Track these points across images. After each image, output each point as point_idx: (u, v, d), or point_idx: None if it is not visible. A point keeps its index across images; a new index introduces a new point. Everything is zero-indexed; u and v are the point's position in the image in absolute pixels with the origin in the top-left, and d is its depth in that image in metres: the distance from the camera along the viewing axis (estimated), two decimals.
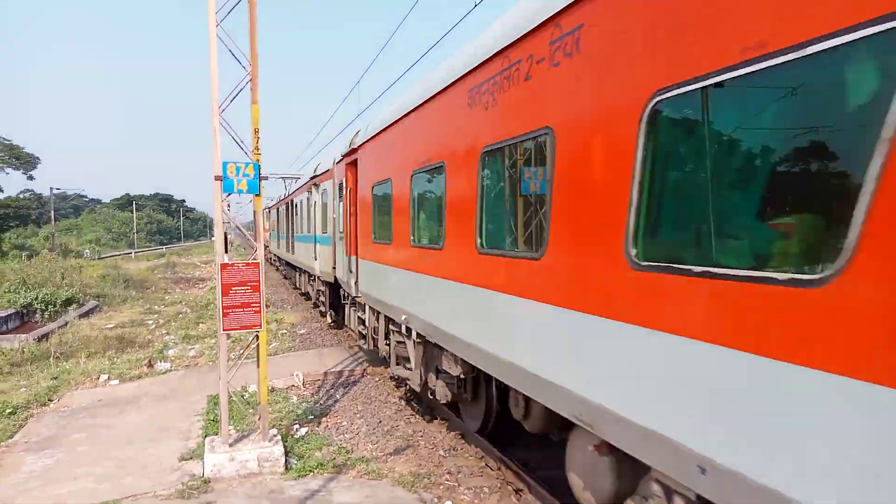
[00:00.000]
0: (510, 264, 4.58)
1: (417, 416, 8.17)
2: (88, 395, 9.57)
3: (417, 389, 7.65)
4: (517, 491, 5.84)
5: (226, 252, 6.54)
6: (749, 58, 2.44)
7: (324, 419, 8.10)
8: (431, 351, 7.08)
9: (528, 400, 5.02)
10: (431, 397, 7.47)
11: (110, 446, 7.10)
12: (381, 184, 8.34)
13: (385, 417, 8.14)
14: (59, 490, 5.94)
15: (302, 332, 14.73)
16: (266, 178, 6.84)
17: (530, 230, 4.50)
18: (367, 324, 9.89)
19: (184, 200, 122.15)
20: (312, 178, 15.02)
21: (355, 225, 10.26)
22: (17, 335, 16.23)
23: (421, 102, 6.61)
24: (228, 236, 7.16)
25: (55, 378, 10.63)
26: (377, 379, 10.06)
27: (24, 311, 20.57)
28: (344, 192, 11.18)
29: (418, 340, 7.15)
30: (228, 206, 6.95)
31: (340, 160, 11.52)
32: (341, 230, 11.57)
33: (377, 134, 8.59)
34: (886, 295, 1.94)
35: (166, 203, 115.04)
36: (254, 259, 6.52)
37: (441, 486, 6.02)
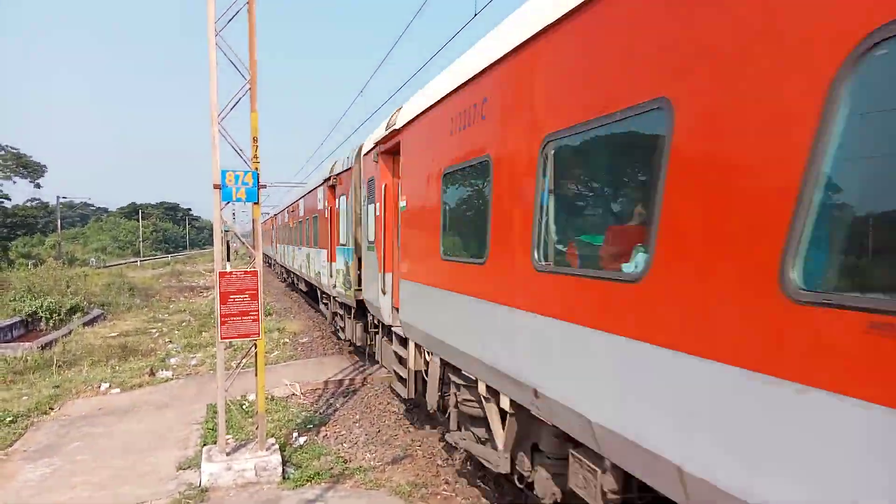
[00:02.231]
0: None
1: (416, 426, 8.12)
2: (89, 403, 9.57)
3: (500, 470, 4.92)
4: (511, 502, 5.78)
5: (229, 260, 6.54)
6: None
7: (323, 428, 8.06)
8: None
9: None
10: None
11: (108, 455, 7.09)
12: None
13: (384, 426, 8.11)
14: (55, 499, 5.93)
15: (304, 340, 14.72)
16: (265, 187, 6.86)
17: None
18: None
19: (190, 209, 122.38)
20: (327, 179, 12.16)
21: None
22: (21, 344, 16.31)
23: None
24: (232, 245, 7.15)
25: (57, 387, 10.64)
26: (377, 388, 10.02)
27: (29, 320, 20.67)
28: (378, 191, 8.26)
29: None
30: (234, 214, 6.99)
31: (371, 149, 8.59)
32: (371, 239, 8.64)
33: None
34: None
35: (172, 211, 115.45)
36: (252, 267, 6.53)
37: (438, 497, 5.97)
